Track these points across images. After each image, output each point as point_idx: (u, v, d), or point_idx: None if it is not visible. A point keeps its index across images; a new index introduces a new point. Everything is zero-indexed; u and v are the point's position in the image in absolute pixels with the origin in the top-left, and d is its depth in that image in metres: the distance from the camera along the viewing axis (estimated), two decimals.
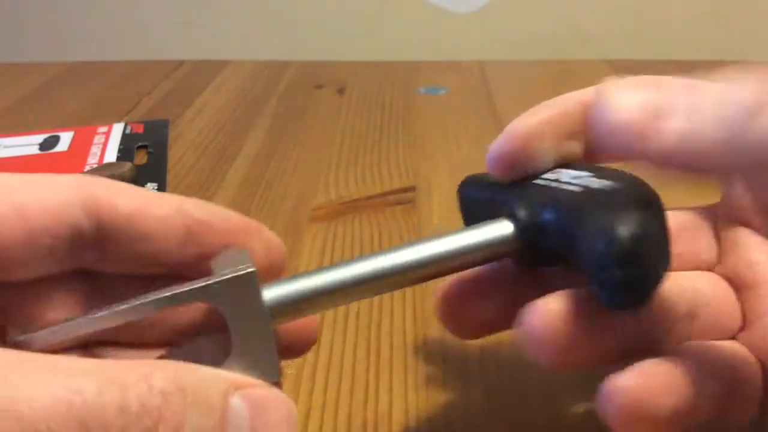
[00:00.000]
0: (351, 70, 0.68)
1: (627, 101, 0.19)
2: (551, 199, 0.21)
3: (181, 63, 0.71)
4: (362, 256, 0.19)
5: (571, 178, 0.21)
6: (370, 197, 0.43)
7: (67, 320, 0.18)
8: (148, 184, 0.44)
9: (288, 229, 0.39)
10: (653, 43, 0.77)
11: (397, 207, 0.42)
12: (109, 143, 0.51)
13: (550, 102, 0.24)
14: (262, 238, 0.21)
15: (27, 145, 0.51)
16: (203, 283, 0.17)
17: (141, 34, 0.81)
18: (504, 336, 0.30)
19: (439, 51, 0.78)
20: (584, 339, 0.20)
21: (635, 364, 0.20)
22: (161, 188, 0.44)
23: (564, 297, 0.20)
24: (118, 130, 0.53)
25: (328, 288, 0.19)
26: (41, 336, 0.18)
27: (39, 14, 0.81)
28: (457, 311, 0.23)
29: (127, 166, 0.45)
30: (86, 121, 0.55)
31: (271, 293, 0.18)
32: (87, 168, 0.46)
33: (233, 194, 0.44)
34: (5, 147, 0.51)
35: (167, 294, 0.18)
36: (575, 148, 0.23)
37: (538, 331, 0.19)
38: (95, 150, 0.50)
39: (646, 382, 0.19)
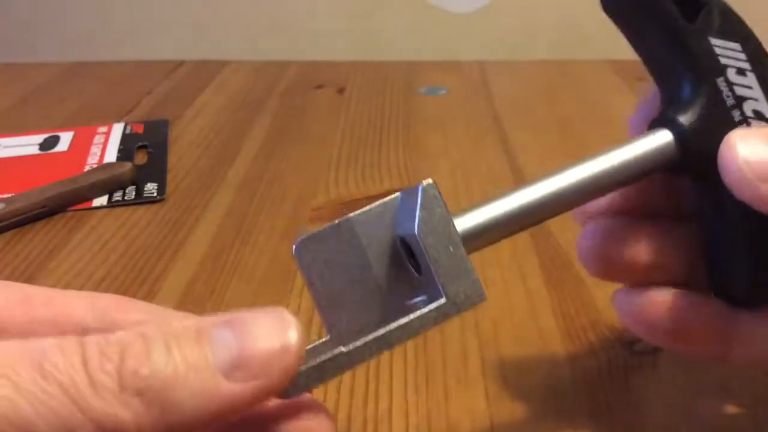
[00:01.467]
0: (351, 70, 0.68)
1: (754, 155, 0.19)
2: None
3: (181, 63, 0.71)
4: (531, 181, 0.20)
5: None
6: (370, 197, 0.43)
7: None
8: (148, 184, 0.44)
9: (288, 229, 0.39)
10: None
11: None
12: (109, 143, 0.51)
13: None
14: None
15: (27, 145, 0.51)
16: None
17: (141, 34, 0.81)
18: (504, 336, 0.30)
19: (439, 51, 0.78)
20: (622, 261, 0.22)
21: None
22: (161, 188, 0.44)
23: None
24: (118, 130, 0.53)
25: (514, 212, 0.20)
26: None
27: (39, 14, 0.81)
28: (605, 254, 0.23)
29: (127, 166, 0.45)
30: (86, 121, 0.55)
31: (459, 222, 0.19)
32: (87, 168, 0.46)
33: (233, 194, 0.44)
34: (5, 147, 0.51)
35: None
36: None
37: (585, 248, 0.23)
38: (95, 150, 0.50)
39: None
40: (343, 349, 0.18)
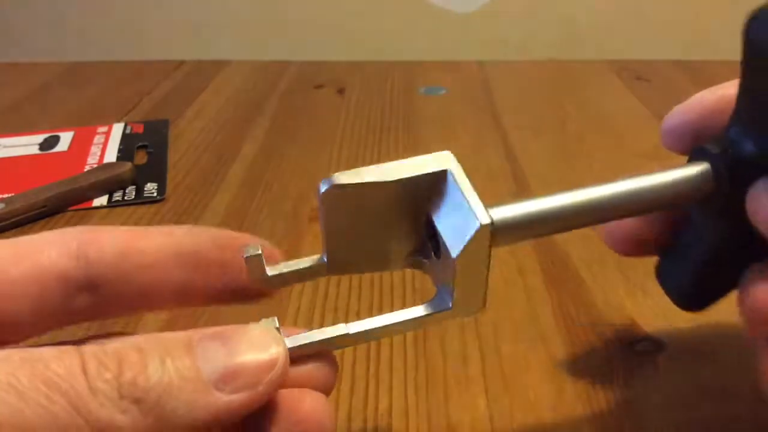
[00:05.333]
0: (351, 70, 0.68)
1: None
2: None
3: (181, 63, 0.71)
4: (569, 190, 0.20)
5: None
6: None
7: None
8: (148, 184, 0.44)
9: (288, 229, 0.39)
10: (653, 43, 0.77)
11: None
12: (109, 143, 0.51)
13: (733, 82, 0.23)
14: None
15: (27, 145, 0.51)
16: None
17: (141, 34, 0.81)
18: (504, 336, 0.30)
19: (439, 51, 0.78)
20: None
21: None
22: (161, 188, 0.44)
23: None
24: (118, 130, 0.53)
25: (550, 212, 0.20)
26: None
27: (39, 14, 0.81)
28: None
29: (127, 166, 0.45)
30: (86, 121, 0.55)
31: (496, 214, 0.19)
32: (87, 168, 0.46)
33: (233, 194, 0.44)
34: (5, 147, 0.51)
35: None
36: None
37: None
38: (95, 150, 0.50)
39: None
40: (349, 332, 0.19)
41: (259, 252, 0.20)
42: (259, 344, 0.17)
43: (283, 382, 0.17)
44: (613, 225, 0.24)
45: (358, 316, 0.32)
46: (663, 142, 0.23)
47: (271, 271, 0.20)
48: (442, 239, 0.19)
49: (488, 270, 0.19)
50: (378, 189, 0.19)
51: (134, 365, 0.15)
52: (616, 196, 0.20)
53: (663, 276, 0.24)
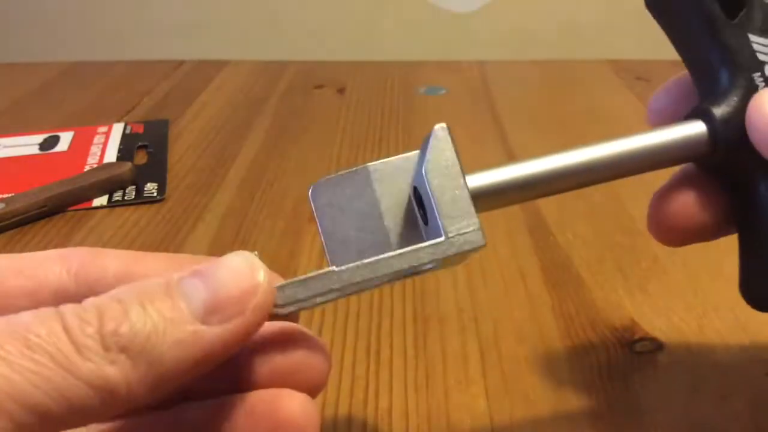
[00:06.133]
0: (351, 70, 0.68)
1: None
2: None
3: (181, 63, 0.71)
4: (555, 152, 0.20)
5: None
6: None
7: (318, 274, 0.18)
8: (148, 184, 0.44)
9: (288, 229, 0.39)
10: (653, 43, 0.77)
11: None
12: (109, 143, 0.51)
13: None
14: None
15: (27, 145, 0.51)
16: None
17: (141, 34, 0.81)
18: (504, 336, 0.30)
19: (439, 51, 0.78)
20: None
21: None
22: (161, 188, 0.44)
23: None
24: (118, 130, 0.53)
25: (530, 177, 0.20)
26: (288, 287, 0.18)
27: (39, 14, 0.81)
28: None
29: (127, 166, 0.45)
30: (86, 121, 0.55)
31: (472, 179, 0.20)
32: (87, 168, 0.46)
33: (233, 194, 0.44)
34: (5, 147, 0.51)
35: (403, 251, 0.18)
36: None
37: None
38: (95, 150, 0.50)
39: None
40: (335, 268, 0.18)
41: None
42: (239, 271, 0.17)
43: (269, 308, 0.17)
44: (661, 214, 0.22)
45: (358, 317, 0.32)
46: (650, 123, 0.23)
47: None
48: (415, 186, 0.19)
49: (469, 194, 0.19)
50: (357, 181, 0.20)
51: (115, 315, 0.15)
52: (608, 157, 0.20)
53: (748, 283, 0.22)
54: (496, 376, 0.28)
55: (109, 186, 0.44)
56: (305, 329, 0.20)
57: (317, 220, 0.20)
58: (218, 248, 0.37)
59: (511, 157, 0.47)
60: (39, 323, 0.15)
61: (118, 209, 0.42)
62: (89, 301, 0.16)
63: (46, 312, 0.15)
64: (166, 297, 0.16)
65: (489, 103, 0.59)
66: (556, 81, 0.65)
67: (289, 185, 0.45)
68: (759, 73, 0.21)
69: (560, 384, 0.27)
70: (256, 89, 0.63)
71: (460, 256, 0.19)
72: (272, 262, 0.36)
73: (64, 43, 0.82)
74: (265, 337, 0.19)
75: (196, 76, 0.67)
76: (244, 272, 0.17)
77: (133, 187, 0.44)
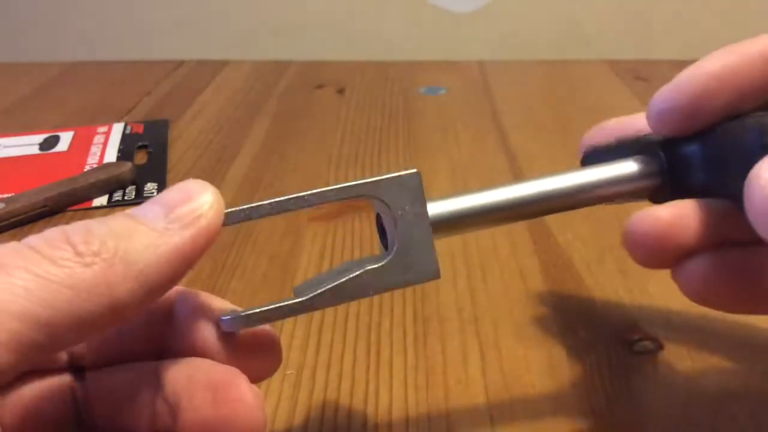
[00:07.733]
0: (351, 70, 0.68)
1: None
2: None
3: (181, 63, 0.71)
4: (508, 182, 0.21)
5: None
6: None
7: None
8: (148, 184, 0.44)
9: (288, 229, 0.39)
10: (653, 43, 0.77)
11: None
12: (109, 143, 0.51)
13: (731, 48, 0.21)
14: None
15: (27, 145, 0.51)
16: (373, 179, 0.20)
17: (141, 34, 0.81)
18: (504, 336, 0.30)
19: (439, 51, 0.78)
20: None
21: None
22: (161, 188, 0.44)
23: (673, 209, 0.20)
24: (118, 130, 0.53)
25: (486, 207, 0.21)
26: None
27: (39, 14, 0.81)
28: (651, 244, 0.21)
29: (127, 166, 0.45)
30: (86, 121, 0.55)
31: (431, 206, 0.20)
32: (87, 168, 0.46)
33: (233, 194, 0.44)
34: (5, 147, 0.51)
35: (336, 187, 0.19)
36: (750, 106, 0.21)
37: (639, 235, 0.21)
38: (95, 150, 0.50)
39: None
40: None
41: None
42: (188, 188, 0.18)
43: (221, 215, 0.18)
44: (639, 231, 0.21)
45: (358, 317, 0.32)
46: (651, 126, 0.21)
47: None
48: (378, 213, 0.20)
49: (431, 228, 0.20)
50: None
51: (80, 231, 0.16)
52: (559, 191, 0.21)
53: None
54: (496, 376, 0.28)
55: (109, 186, 0.44)
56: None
57: None
58: (218, 248, 0.37)
59: (512, 157, 0.47)
60: (12, 252, 0.15)
61: (118, 209, 0.42)
62: (53, 231, 0.16)
63: (15, 245, 0.16)
64: (126, 218, 0.17)
65: (489, 103, 0.59)
66: (556, 81, 0.65)
67: (289, 185, 0.45)
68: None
69: (560, 384, 0.27)
70: (256, 89, 0.63)
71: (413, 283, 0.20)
72: (272, 262, 0.36)
73: (64, 43, 0.82)
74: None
75: (196, 76, 0.67)
76: (193, 187, 0.18)
77: (134, 187, 0.44)
